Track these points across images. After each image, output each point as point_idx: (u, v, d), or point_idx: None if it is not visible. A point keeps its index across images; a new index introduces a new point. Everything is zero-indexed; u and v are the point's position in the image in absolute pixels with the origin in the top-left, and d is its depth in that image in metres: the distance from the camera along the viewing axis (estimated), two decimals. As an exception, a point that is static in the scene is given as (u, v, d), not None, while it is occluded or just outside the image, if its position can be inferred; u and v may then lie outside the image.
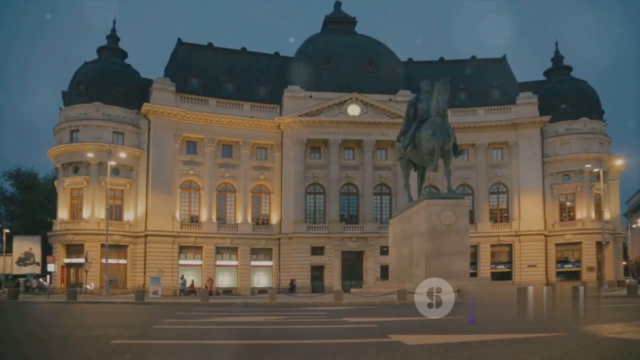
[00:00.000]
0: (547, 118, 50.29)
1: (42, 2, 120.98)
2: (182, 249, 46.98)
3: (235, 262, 48.25)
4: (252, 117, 49.09)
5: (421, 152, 26.61)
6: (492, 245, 49.96)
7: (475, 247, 46.37)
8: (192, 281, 44.51)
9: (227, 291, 46.00)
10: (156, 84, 47.32)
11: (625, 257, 63.27)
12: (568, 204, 50.40)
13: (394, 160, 44.45)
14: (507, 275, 48.33)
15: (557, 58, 55.10)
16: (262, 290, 44.06)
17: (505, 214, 51.17)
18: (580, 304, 10.51)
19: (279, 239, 48.46)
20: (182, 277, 44.10)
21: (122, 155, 43.27)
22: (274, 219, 49.34)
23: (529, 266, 48.89)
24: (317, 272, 48.01)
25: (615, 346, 7.11)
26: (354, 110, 49.68)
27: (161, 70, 49.73)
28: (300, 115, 48.82)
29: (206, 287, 40.67)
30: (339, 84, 50.20)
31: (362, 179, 49.84)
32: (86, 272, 41.21)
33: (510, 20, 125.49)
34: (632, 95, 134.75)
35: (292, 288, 44.37)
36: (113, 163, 40.48)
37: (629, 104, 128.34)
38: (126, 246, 45.19)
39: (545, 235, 49.68)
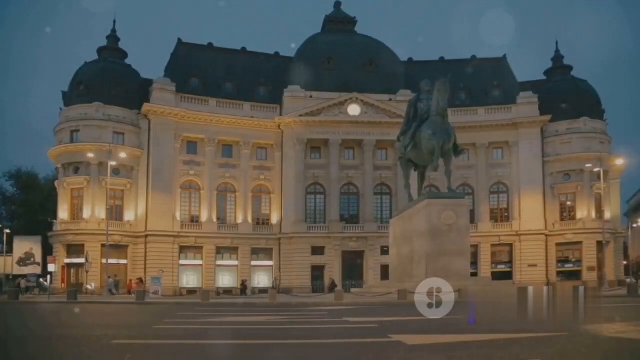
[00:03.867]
0: (547, 117, 50.26)
1: (43, 3, 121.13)
2: (183, 249, 46.97)
3: (235, 262, 48.26)
4: (252, 117, 49.08)
5: (422, 152, 26.60)
6: (492, 245, 49.92)
7: (475, 247, 46.33)
8: (140, 279, 42.56)
9: (228, 291, 45.96)
10: (156, 84, 47.32)
11: (626, 257, 63.19)
12: (568, 203, 50.37)
13: (394, 160, 44.43)
14: (507, 275, 48.30)
15: (558, 57, 55.05)
16: (263, 291, 44.08)
17: (506, 214, 51.14)
18: (580, 303, 10.50)
19: (280, 239, 48.44)
20: (115, 276, 40.50)
21: (123, 155, 43.22)
22: (275, 219, 49.33)
23: (529, 266, 48.85)
24: (318, 272, 47.99)
25: (616, 346, 7.10)
26: (354, 110, 49.68)
27: (161, 70, 49.76)
28: (301, 115, 48.81)
29: (129, 290, 40.34)
30: (339, 84, 50.17)
31: (363, 179, 49.83)
32: (87, 272, 41.18)
33: (510, 20, 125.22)
34: (633, 94, 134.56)
35: (244, 289, 44.17)
36: (113, 163, 40.41)
37: (629, 103, 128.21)
38: (126, 246, 45.18)
39: (546, 235, 49.65)
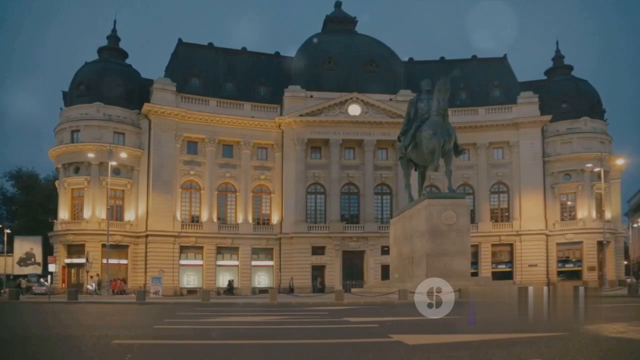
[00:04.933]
0: (548, 117, 50.27)
1: (43, 3, 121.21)
2: (183, 249, 47.00)
3: (236, 262, 48.27)
4: (252, 117, 49.10)
5: (422, 152, 26.62)
6: (493, 245, 49.94)
7: (476, 247, 46.38)
8: (123, 280, 43.36)
9: (228, 291, 46.00)
10: (157, 84, 47.34)
11: (627, 257, 63.19)
12: (569, 203, 50.38)
13: (394, 160, 44.50)
14: (508, 275, 48.31)
15: (558, 57, 55.08)
16: (263, 290, 44.11)
17: (506, 214, 51.14)
18: (581, 303, 10.51)
19: (280, 238, 48.46)
20: (97, 275, 41.13)
21: (123, 155, 43.28)
22: (275, 218, 49.34)
23: (529, 266, 48.86)
24: (318, 272, 48.01)
25: (617, 346, 7.10)
26: (354, 110, 49.69)
27: (162, 70, 49.87)
28: (301, 115, 48.82)
29: (113, 290, 40.40)
30: (340, 84, 50.21)
31: (363, 179, 49.83)
32: (87, 272, 41.23)
33: (511, 20, 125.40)
34: (633, 94, 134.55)
35: (230, 289, 44.08)
36: (114, 163, 40.48)
37: (629, 103, 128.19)
38: (127, 246, 45.21)
39: (546, 235, 49.64)
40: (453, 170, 27.24)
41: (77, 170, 45.58)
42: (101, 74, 47.48)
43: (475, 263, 46.02)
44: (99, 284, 39.71)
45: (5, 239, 46.30)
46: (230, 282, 45.36)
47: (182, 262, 46.90)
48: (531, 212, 49.50)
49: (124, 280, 43.30)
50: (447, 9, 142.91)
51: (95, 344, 7.96)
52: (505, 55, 56.22)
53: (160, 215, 45.64)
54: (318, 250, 48.20)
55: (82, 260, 41.90)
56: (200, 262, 47.41)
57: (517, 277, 48.05)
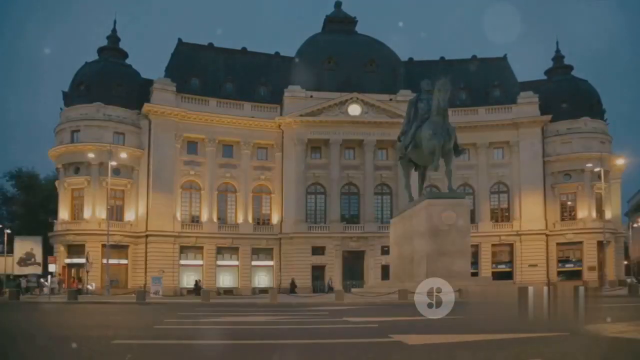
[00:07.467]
0: (548, 117, 50.25)
1: (44, 3, 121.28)
2: (183, 249, 46.98)
3: (236, 262, 48.26)
4: (252, 117, 49.08)
5: (422, 152, 26.62)
6: (493, 245, 49.90)
7: (476, 247, 46.32)
8: (80, 279, 42.75)
9: (228, 291, 46.01)
10: (157, 84, 47.31)
11: (627, 257, 63.14)
12: (569, 203, 50.36)
13: (394, 160, 44.37)
14: (508, 275, 48.29)
15: (558, 57, 55.04)
16: (263, 290, 44.11)
17: (506, 214, 51.12)
18: (581, 303, 10.49)
19: (280, 239, 48.44)
20: (59, 275, 40.67)
21: (123, 155, 43.19)
22: (275, 219, 49.32)
23: (530, 266, 48.85)
24: (318, 272, 47.99)
25: (617, 346, 7.10)
26: (354, 110, 49.67)
27: (162, 70, 49.72)
28: (301, 115, 48.81)
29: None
30: (340, 84, 50.18)
31: (363, 179, 49.82)
32: (87, 272, 41.20)
33: (511, 20, 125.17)
34: (633, 94, 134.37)
35: (197, 289, 43.77)
36: (114, 163, 40.40)
37: (629, 103, 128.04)
38: (127, 246, 45.18)
39: (546, 235, 49.62)
40: (453, 170, 27.24)
41: (77, 171, 45.54)
42: (101, 74, 47.44)
43: (475, 263, 45.96)
44: (58, 284, 39.57)
45: (5, 239, 46.28)
46: (197, 282, 44.86)
47: (182, 262, 46.86)
48: (531, 212, 49.47)
49: (80, 279, 43.16)
50: (447, 8, 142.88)
51: (95, 344, 7.96)
52: (505, 55, 56.22)
53: (160, 215, 45.61)
54: (318, 251, 48.17)
55: (82, 260, 41.87)
56: (200, 262, 47.38)
57: (517, 277, 48.02)
